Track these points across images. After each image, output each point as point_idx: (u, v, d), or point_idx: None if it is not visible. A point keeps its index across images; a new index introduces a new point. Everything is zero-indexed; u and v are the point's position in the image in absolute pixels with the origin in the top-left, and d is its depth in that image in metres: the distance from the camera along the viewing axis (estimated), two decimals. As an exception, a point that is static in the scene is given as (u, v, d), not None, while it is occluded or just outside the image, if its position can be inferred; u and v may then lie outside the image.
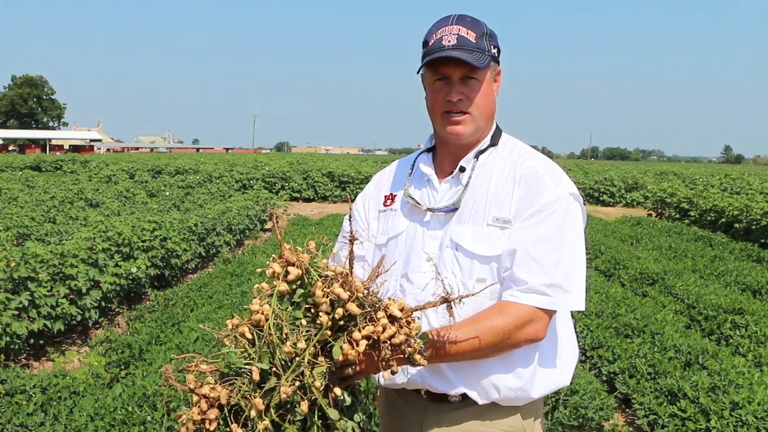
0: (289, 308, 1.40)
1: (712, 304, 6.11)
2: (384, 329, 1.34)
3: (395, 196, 1.82)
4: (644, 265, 8.00)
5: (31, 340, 5.36)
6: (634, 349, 4.80)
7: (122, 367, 4.77)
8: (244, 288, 6.42)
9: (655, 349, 4.87)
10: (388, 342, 1.34)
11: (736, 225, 12.56)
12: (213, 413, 1.34)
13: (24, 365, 5.30)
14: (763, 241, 11.39)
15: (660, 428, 3.91)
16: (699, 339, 5.12)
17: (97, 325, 6.47)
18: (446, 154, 1.76)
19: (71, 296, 5.80)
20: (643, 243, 10.73)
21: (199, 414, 1.35)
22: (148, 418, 3.30)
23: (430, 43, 1.65)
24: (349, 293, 1.35)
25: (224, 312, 5.46)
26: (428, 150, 1.81)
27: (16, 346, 5.06)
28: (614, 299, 6.14)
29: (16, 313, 5.08)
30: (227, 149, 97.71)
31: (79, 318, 5.85)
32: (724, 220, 13.05)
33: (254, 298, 1.44)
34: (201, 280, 7.50)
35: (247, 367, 1.36)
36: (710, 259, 9.05)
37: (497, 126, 1.76)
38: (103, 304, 6.34)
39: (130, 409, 3.40)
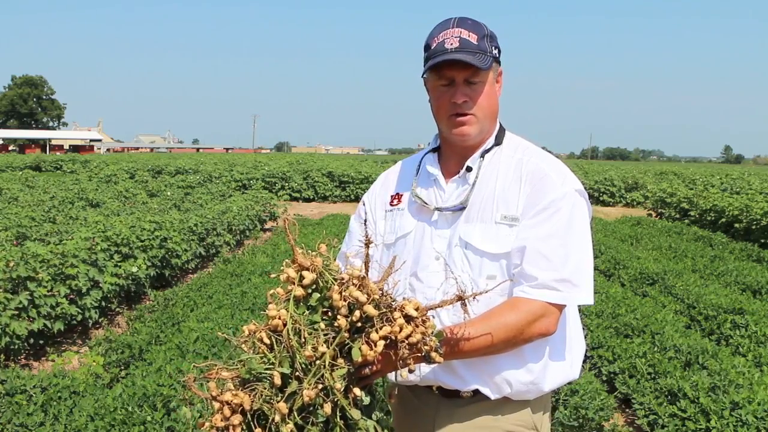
0: (306, 312, 1.43)
1: (712, 304, 6.11)
2: (401, 329, 1.36)
3: (402, 195, 1.84)
4: (644, 265, 8.00)
5: (31, 340, 5.36)
6: (634, 349, 4.80)
7: (122, 367, 4.77)
8: (244, 288, 6.41)
9: (655, 349, 4.87)
10: (405, 341, 1.37)
11: (736, 225, 12.56)
12: (236, 419, 1.37)
13: (24, 365, 5.30)
14: (763, 241, 11.39)
15: (660, 428, 3.91)
16: (699, 339, 5.12)
17: (97, 325, 6.46)
18: (452, 155, 1.78)
19: (71, 296, 5.79)
20: (643, 243, 10.73)
21: (222, 420, 1.38)
22: (148, 418, 3.30)
23: (432, 47, 1.66)
24: (366, 296, 1.37)
25: (224, 312, 5.46)
26: (434, 150, 1.83)
27: (16, 346, 5.06)
28: (614, 299, 6.14)
29: (16, 313, 5.07)
30: (227, 149, 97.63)
31: (79, 318, 5.84)
32: (724, 220, 13.05)
33: (270, 303, 1.46)
34: (201, 280, 7.50)
35: (267, 372, 1.38)
36: (710, 259, 9.05)
37: (501, 125, 1.79)
38: (103, 304, 6.34)
39: (130, 409, 3.40)
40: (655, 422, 3.99)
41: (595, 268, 8.48)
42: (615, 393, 4.49)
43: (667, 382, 4.19)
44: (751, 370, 4.40)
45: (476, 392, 1.68)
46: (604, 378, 4.78)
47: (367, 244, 1.44)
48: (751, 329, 5.44)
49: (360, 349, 1.36)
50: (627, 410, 4.54)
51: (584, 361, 5.05)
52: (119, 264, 6.80)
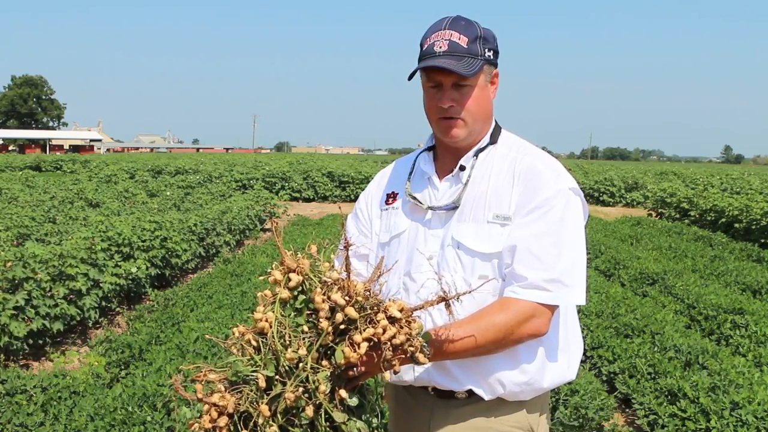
0: (292, 314, 1.42)
1: (712, 304, 6.11)
2: (384, 330, 1.36)
3: (397, 194, 1.84)
4: (644, 265, 8.00)
5: (31, 340, 5.35)
6: (634, 349, 4.80)
7: (122, 367, 4.77)
8: (244, 288, 6.41)
9: (655, 349, 4.87)
10: (389, 343, 1.36)
11: (736, 225, 12.55)
12: (222, 421, 1.37)
13: (24, 365, 5.30)
14: (763, 241, 11.38)
15: (660, 428, 3.91)
16: (699, 339, 5.12)
17: (97, 325, 6.46)
18: (446, 154, 1.77)
19: (71, 296, 5.79)
20: (643, 243, 10.73)
21: (209, 422, 1.38)
22: (148, 418, 3.30)
23: (424, 48, 1.66)
24: (347, 298, 1.37)
25: (224, 312, 5.46)
26: (429, 149, 1.83)
27: (15, 346, 5.06)
28: (614, 299, 6.14)
29: (15, 313, 5.07)
30: (227, 149, 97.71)
31: (78, 318, 5.84)
32: (724, 220, 13.05)
33: (258, 305, 1.46)
34: (201, 280, 7.50)
35: (253, 374, 1.38)
36: (710, 259, 9.04)
37: (497, 124, 1.78)
38: (103, 304, 6.34)
39: (130, 409, 3.40)
40: (655, 422, 3.99)
41: (595, 268, 8.55)
42: (615, 393, 4.49)
43: (667, 382, 4.19)
44: (751, 370, 4.40)
45: (471, 393, 1.67)
46: (604, 378, 4.78)
47: (347, 247, 1.43)
48: (751, 329, 5.44)
49: (343, 351, 1.36)
50: (627, 410, 4.54)
51: (584, 361, 5.06)
52: (119, 264, 6.80)
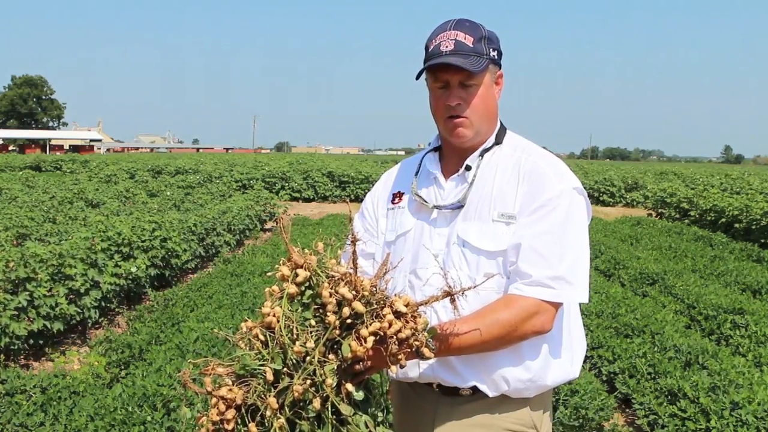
0: (299, 309, 1.45)
1: (712, 304, 6.11)
2: (390, 325, 1.38)
3: (403, 194, 1.87)
4: (644, 265, 8.00)
5: (31, 341, 5.35)
6: (634, 349, 4.80)
7: (122, 367, 4.77)
8: (244, 288, 6.41)
9: (655, 349, 4.87)
10: (395, 337, 1.38)
11: (736, 225, 12.56)
12: (231, 413, 1.39)
13: (24, 365, 5.30)
14: (763, 241, 11.39)
15: (660, 428, 3.91)
16: (699, 339, 5.12)
17: (97, 325, 6.46)
18: (452, 154, 1.80)
19: (71, 296, 5.79)
20: (643, 243, 10.73)
21: (217, 415, 1.40)
22: (148, 418, 3.30)
23: (429, 49, 1.70)
24: (354, 293, 1.39)
25: (224, 312, 5.46)
26: (435, 149, 1.85)
27: (16, 347, 5.06)
28: (614, 299, 6.14)
29: (16, 313, 5.07)
30: (227, 149, 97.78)
31: (78, 318, 5.84)
32: (724, 220, 13.05)
33: (266, 301, 1.48)
34: (201, 280, 7.50)
35: (261, 368, 1.41)
36: (710, 259, 9.05)
37: (502, 125, 1.80)
38: (102, 304, 6.34)
39: (130, 409, 3.40)
40: (655, 422, 3.99)
41: (595, 268, 8.55)
42: (615, 393, 4.49)
43: (667, 382, 4.19)
44: (751, 370, 4.40)
45: (475, 390, 1.68)
46: (604, 378, 4.78)
47: (354, 242, 1.46)
48: (751, 329, 5.44)
49: (350, 344, 1.38)
50: (627, 410, 4.54)
51: (584, 361, 5.05)
52: (119, 264, 6.79)
